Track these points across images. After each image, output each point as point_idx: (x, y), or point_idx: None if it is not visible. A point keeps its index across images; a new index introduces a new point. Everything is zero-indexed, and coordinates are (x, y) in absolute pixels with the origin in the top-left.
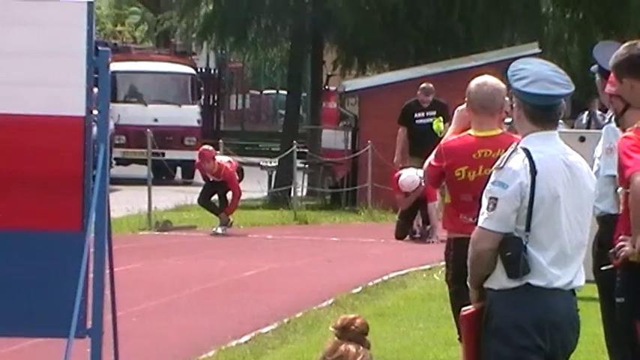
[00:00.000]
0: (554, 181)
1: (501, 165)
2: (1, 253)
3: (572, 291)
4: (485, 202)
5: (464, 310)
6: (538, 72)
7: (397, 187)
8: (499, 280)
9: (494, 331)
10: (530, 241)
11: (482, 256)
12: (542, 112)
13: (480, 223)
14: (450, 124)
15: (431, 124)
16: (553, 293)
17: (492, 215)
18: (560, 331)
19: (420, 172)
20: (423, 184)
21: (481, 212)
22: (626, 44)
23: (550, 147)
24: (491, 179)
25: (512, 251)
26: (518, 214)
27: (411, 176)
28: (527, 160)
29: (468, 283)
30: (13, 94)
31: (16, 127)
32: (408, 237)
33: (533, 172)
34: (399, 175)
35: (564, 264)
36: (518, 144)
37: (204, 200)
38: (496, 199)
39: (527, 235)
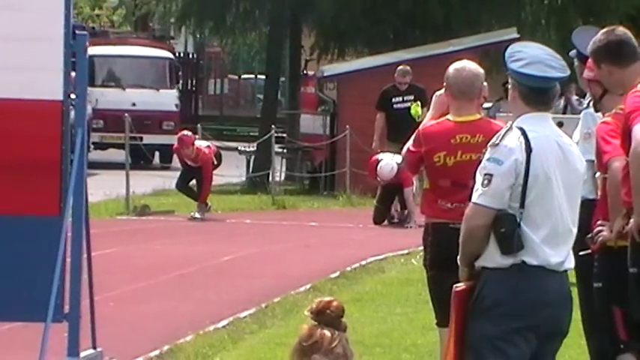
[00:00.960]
0: (548, 160)
1: (496, 142)
2: None
3: (565, 272)
4: (479, 178)
5: (456, 287)
6: (535, 55)
7: (373, 173)
8: (493, 257)
9: (484, 312)
10: (523, 218)
11: (475, 232)
12: (536, 94)
13: (473, 199)
14: (427, 109)
15: (409, 108)
16: (546, 274)
17: (487, 191)
18: (552, 313)
19: (397, 158)
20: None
21: (475, 189)
22: (605, 30)
23: (543, 127)
24: (486, 156)
25: (507, 227)
26: (513, 191)
27: (388, 164)
28: (522, 138)
29: (458, 261)
30: None
31: None
32: (386, 222)
33: (529, 149)
34: (377, 162)
35: (556, 244)
36: (513, 123)
37: (182, 185)
38: (491, 175)
39: (521, 212)
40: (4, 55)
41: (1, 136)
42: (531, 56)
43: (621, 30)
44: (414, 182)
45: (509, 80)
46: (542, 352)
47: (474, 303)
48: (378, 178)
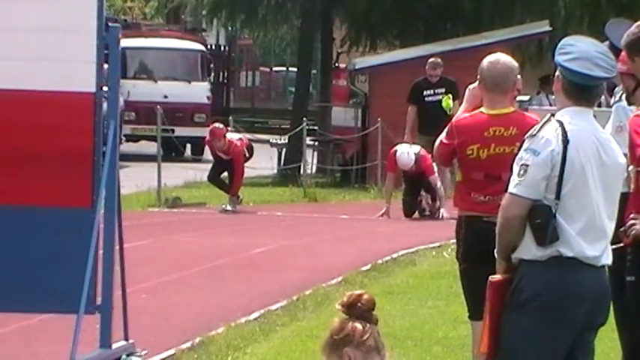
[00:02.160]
0: (585, 152)
1: (534, 133)
2: (11, 229)
3: (603, 267)
4: (516, 168)
5: (492, 278)
6: (584, 51)
7: (392, 165)
8: (530, 249)
9: (521, 306)
10: (559, 210)
11: (510, 222)
12: (578, 90)
13: (510, 189)
14: (459, 102)
15: (440, 101)
16: (584, 267)
17: (522, 181)
18: (590, 307)
19: (415, 148)
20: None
21: (512, 179)
22: (638, 23)
23: (583, 121)
24: (524, 146)
25: (542, 218)
26: (548, 183)
27: (404, 152)
28: (560, 130)
29: (495, 254)
30: (24, 70)
31: (27, 104)
32: (417, 214)
33: (565, 141)
34: (394, 152)
35: (593, 237)
36: (553, 115)
37: (213, 177)
38: (527, 165)
39: (556, 203)
40: (37, 48)
41: (34, 128)
42: (580, 51)
43: None
44: (446, 174)
45: (556, 72)
46: (580, 343)
47: (511, 296)
48: (399, 167)
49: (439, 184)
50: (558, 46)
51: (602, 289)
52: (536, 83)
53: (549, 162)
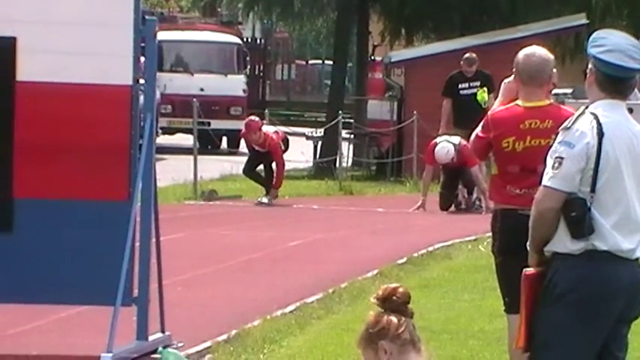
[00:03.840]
0: (620, 145)
1: (568, 125)
2: (48, 221)
3: (637, 260)
4: (550, 161)
5: (526, 271)
6: (617, 43)
7: (430, 157)
8: (564, 242)
9: (555, 300)
10: (594, 203)
11: (545, 215)
12: (611, 82)
13: (544, 182)
14: (494, 95)
15: (475, 94)
16: (618, 261)
17: (557, 174)
18: (624, 301)
19: (454, 139)
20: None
21: (546, 172)
22: None
23: (616, 114)
24: (558, 139)
25: (578, 211)
26: (583, 176)
27: (443, 147)
28: (594, 122)
29: (527, 247)
30: (61, 63)
31: (64, 97)
32: (453, 208)
33: (600, 134)
34: (434, 146)
35: (627, 230)
36: (586, 108)
37: (249, 170)
38: (562, 158)
39: (591, 196)
40: (75, 41)
41: (71, 121)
42: (613, 44)
43: None
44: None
45: (589, 65)
46: (614, 337)
47: (545, 290)
48: (438, 162)
49: (480, 175)
50: (590, 39)
51: (636, 283)
52: (575, 76)
53: (584, 155)
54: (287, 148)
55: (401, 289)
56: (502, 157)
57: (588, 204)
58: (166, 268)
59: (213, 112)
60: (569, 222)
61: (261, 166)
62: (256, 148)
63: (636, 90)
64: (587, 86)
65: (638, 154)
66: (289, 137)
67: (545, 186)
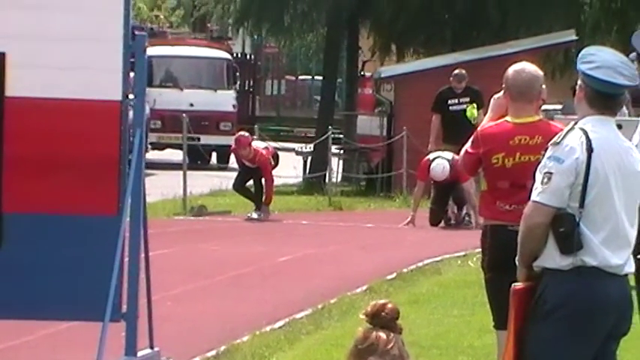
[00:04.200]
0: (609, 161)
1: (558, 141)
2: (37, 236)
3: (626, 276)
4: (539, 177)
5: (515, 285)
6: (607, 59)
7: (423, 174)
8: (553, 257)
9: (544, 316)
10: (583, 218)
11: (534, 230)
12: (601, 98)
13: (533, 197)
14: (483, 111)
15: (464, 110)
16: (607, 277)
17: (546, 189)
18: (613, 317)
19: (447, 155)
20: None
21: (535, 187)
22: None
23: (605, 130)
24: (547, 154)
25: (566, 227)
26: (572, 191)
27: (439, 164)
28: (584, 138)
29: (516, 262)
30: (50, 78)
31: (53, 111)
32: (442, 223)
33: (590, 149)
34: (428, 163)
35: (616, 246)
36: (575, 123)
37: (239, 185)
38: (551, 173)
39: (580, 212)
40: (64, 56)
41: (60, 136)
42: (603, 60)
43: None
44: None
45: (578, 81)
46: (603, 353)
47: (535, 306)
48: (432, 179)
49: (472, 190)
50: (580, 55)
51: (625, 299)
52: (564, 92)
53: (573, 170)
54: (277, 163)
55: (390, 305)
56: (492, 173)
57: (577, 219)
58: (155, 283)
59: (202, 128)
60: (558, 237)
61: (251, 182)
62: (246, 163)
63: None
64: (577, 102)
65: (627, 169)
66: (279, 152)
67: (534, 201)
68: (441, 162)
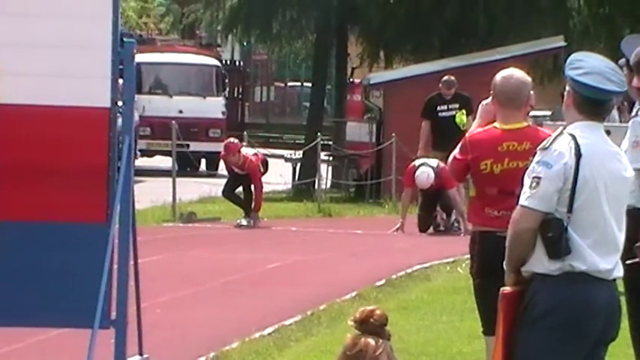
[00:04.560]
0: (597, 166)
1: (546, 146)
2: (26, 243)
3: (614, 281)
4: (527, 181)
5: (504, 290)
6: (596, 65)
7: (409, 180)
8: (542, 262)
9: (533, 322)
10: (571, 223)
11: (521, 235)
12: (590, 104)
13: (521, 202)
14: (473, 117)
15: (454, 116)
16: (596, 282)
17: (534, 194)
18: (602, 323)
19: (432, 162)
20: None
21: (523, 192)
22: None
23: (593, 135)
24: (535, 159)
25: (554, 232)
26: (560, 196)
27: (424, 172)
28: (572, 143)
29: (504, 267)
30: (39, 85)
31: (42, 119)
32: (432, 230)
33: (578, 154)
34: (414, 170)
35: (604, 251)
36: (564, 128)
37: (228, 192)
38: (539, 178)
39: (568, 217)
40: (52, 63)
41: (49, 143)
42: (591, 66)
43: None
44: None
45: (566, 87)
46: (591, 358)
47: (524, 312)
48: (417, 186)
49: (459, 197)
50: (568, 61)
51: (613, 304)
52: (553, 98)
53: (562, 175)
54: (266, 170)
55: (378, 312)
56: (480, 180)
57: (565, 224)
58: (145, 290)
59: (192, 134)
60: (546, 242)
61: (240, 188)
62: (235, 170)
63: (614, 112)
64: (565, 108)
65: (615, 175)
66: (268, 159)
67: (522, 205)
68: (425, 170)
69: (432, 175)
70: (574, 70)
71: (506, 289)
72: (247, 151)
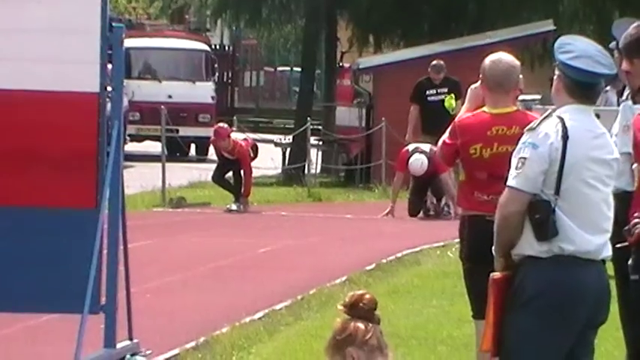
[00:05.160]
0: (585, 149)
1: (533, 127)
2: (16, 229)
3: (603, 262)
4: (514, 162)
5: (493, 275)
6: (584, 49)
7: (402, 165)
8: (531, 244)
9: (523, 305)
10: (558, 205)
11: (509, 219)
12: (581, 88)
13: (508, 183)
14: (462, 102)
15: (443, 101)
16: (585, 264)
17: (520, 174)
18: (591, 305)
19: (425, 147)
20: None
21: (510, 173)
22: (635, 24)
23: (583, 119)
24: (522, 140)
25: (542, 213)
26: (547, 178)
27: (417, 159)
28: (560, 125)
29: (493, 251)
30: (28, 70)
31: (31, 104)
32: (421, 214)
33: (565, 136)
34: (407, 155)
35: (592, 232)
36: (553, 111)
37: (218, 177)
38: (525, 158)
39: (556, 198)
40: (41, 48)
41: (38, 128)
42: (581, 50)
43: None
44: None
45: (555, 71)
46: (581, 342)
47: (513, 295)
48: (410, 173)
49: (450, 181)
50: (556, 45)
51: (603, 287)
52: (543, 82)
53: (547, 157)
54: (256, 155)
55: (367, 296)
56: (469, 164)
57: (552, 206)
58: (134, 275)
59: (181, 120)
60: (534, 224)
61: (230, 173)
62: (225, 155)
63: (609, 93)
64: (555, 92)
65: (601, 156)
66: (258, 144)
67: (508, 186)
68: (419, 157)
69: (426, 162)
70: (564, 54)
71: (496, 274)
72: (237, 136)
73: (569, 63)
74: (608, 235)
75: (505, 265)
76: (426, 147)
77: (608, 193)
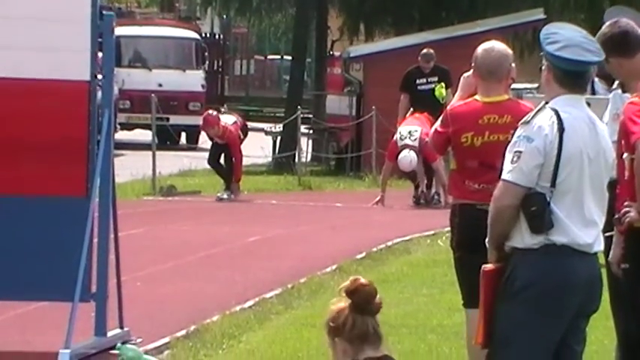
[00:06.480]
0: (580, 140)
1: (528, 120)
2: (6, 218)
3: (595, 254)
4: (509, 156)
5: (485, 267)
6: (570, 37)
7: (392, 154)
8: (523, 237)
9: (514, 295)
10: (553, 197)
11: (503, 212)
12: (571, 78)
13: (503, 176)
14: (452, 90)
15: (433, 90)
16: (576, 255)
17: (515, 168)
18: (583, 296)
19: (414, 138)
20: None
21: (504, 166)
22: (608, 23)
23: (577, 109)
24: (517, 133)
25: (537, 206)
26: (543, 170)
27: (406, 157)
28: (554, 118)
29: (487, 243)
30: (18, 58)
31: (21, 92)
32: (412, 202)
33: (561, 129)
34: (396, 149)
35: (586, 224)
36: (546, 103)
37: (213, 161)
38: (520, 152)
39: (551, 191)
40: (32, 36)
41: (28, 116)
42: (567, 39)
43: (624, 21)
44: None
45: (544, 62)
46: (572, 331)
47: (504, 286)
48: (403, 170)
49: (442, 169)
50: (542, 35)
51: (594, 277)
52: (534, 71)
53: (542, 150)
54: (246, 135)
55: (369, 285)
56: (461, 153)
57: (548, 199)
58: (125, 264)
59: (171, 108)
60: (529, 217)
61: (222, 159)
62: (216, 140)
63: (596, 81)
64: (545, 83)
65: (596, 147)
66: (249, 132)
67: (503, 180)
68: (407, 155)
69: (415, 159)
70: (551, 44)
71: (487, 266)
72: (227, 121)
73: (557, 54)
74: (600, 227)
75: (498, 257)
76: (415, 137)
77: (602, 186)
